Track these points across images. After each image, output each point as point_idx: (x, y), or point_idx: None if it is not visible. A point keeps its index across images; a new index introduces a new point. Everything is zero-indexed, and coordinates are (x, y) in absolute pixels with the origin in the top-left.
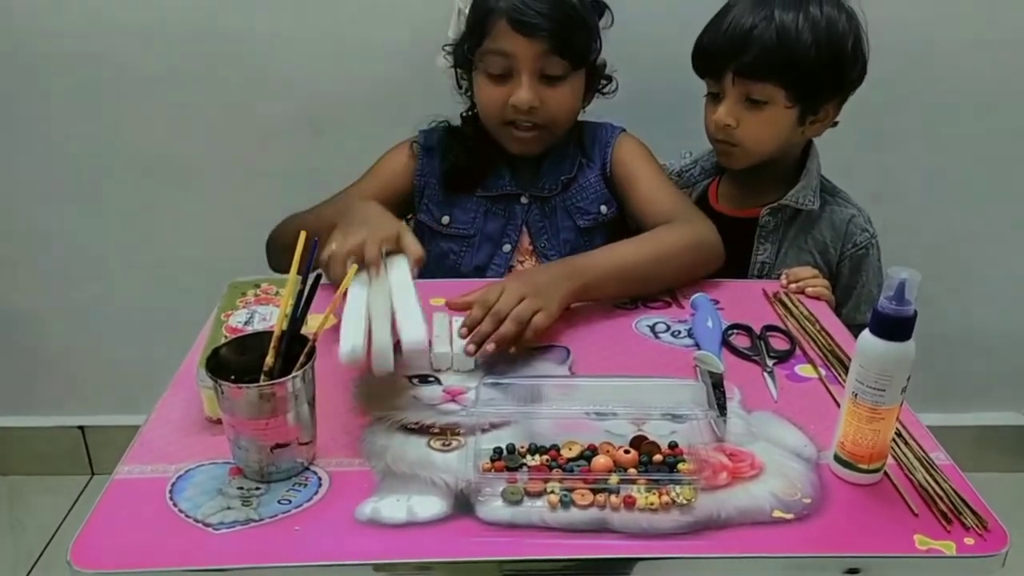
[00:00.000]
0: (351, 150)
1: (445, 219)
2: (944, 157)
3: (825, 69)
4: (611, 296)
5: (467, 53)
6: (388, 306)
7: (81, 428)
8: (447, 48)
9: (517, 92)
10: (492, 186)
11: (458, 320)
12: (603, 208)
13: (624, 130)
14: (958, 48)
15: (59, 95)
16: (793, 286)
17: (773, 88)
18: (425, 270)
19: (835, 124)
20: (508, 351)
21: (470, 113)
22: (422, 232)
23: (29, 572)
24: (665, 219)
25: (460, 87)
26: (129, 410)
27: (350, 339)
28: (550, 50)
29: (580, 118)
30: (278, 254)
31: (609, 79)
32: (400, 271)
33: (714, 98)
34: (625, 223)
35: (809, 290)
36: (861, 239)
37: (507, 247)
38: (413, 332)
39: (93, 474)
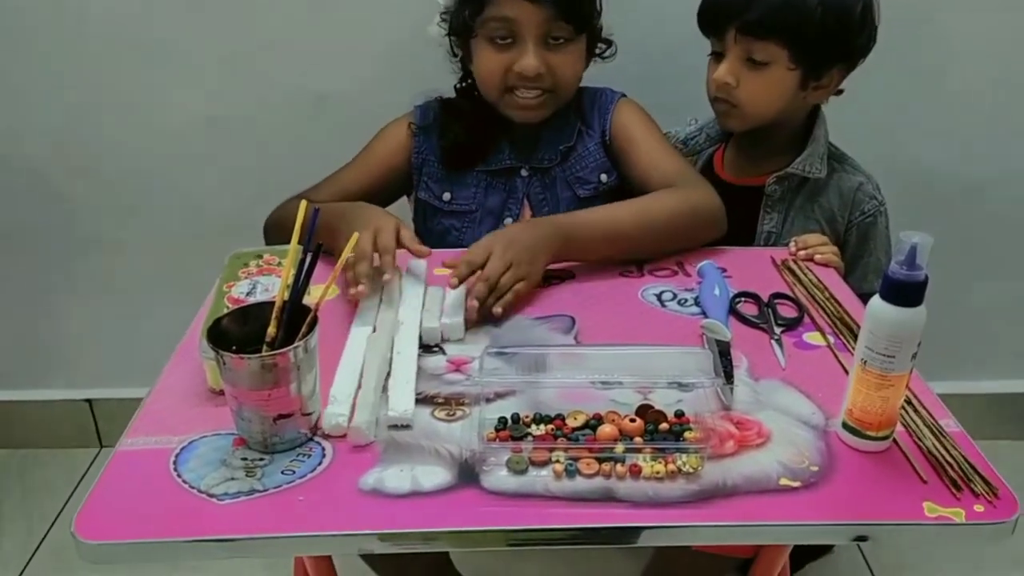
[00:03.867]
0: (355, 118)
1: (446, 196)
2: (954, 119)
3: (830, 32)
4: (597, 257)
5: (467, 20)
6: (384, 367)
7: (89, 401)
8: (442, 15)
9: (523, 59)
10: (492, 160)
11: (452, 293)
12: (603, 177)
13: (624, 95)
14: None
15: (58, 63)
16: (802, 253)
17: (776, 48)
18: (429, 246)
19: (840, 92)
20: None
21: (464, 84)
22: (423, 210)
23: (39, 544)
24: (665, 185)
25: (455, 55)
26: (137, 383)
27: (336, 410)
28: (555, 15)
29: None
30: (278, 239)
31: (609, 43)
32: (410, 330)
33: (717, 58)
34: (626, 192)
35: (818, 257)
36: (869, 207)
37: (508, 220)
38: (400, 404)
39: (102, 447)
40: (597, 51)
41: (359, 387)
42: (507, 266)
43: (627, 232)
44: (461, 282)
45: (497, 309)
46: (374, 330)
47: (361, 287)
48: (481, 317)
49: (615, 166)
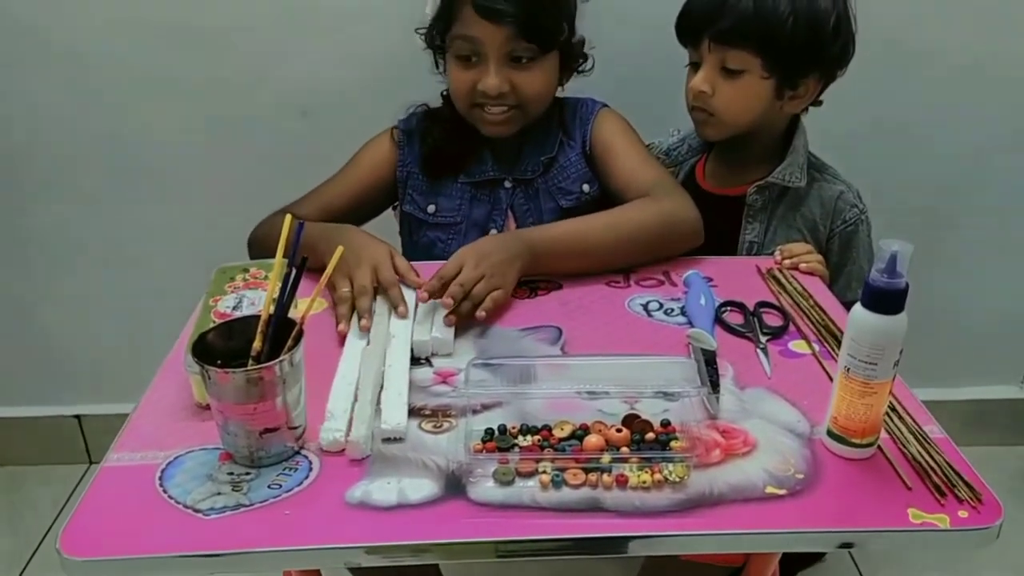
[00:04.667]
0: (338, 134)
1: (431, 208)
2: (937, 126)
3: (802, 42)
4: (569, 269)
5: (437, 37)
6: (378, 381)
7: (78, 417)
8: (418, 30)
9: (484, 78)
10: (475, 172)
11: (439, 309)
12: (585, 187)
13: (605, 105)
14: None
15: (41, 81)
16: (787, 262)
17: (749, 56)
18: (415, 258)
19: (819, 103)
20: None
21: (449, 93)
22: (408, 222)
23: (28, 561)
24: (643, 195)
25: (437, 66)
26: (125, 399)
27: (333, 425)
28: (516, 34)
29: (561, 95)
30: (262, 254)
31: (585, 57)
32: (401, 343)
33: (694, 67)
34: (609, 202)
35: (803, 266)
36: (850, 215)
37: (493, 232)
38: (393, 417)
39: (91, 463)
40: (575, 65)
41: (355, 401)
42: (480, 277)
43: (598, 244)
44: (432, 296)
45: (481, 313)
46: (368, 344)
47: (364, 321)
48: (458, 321)
49: (596, 176)
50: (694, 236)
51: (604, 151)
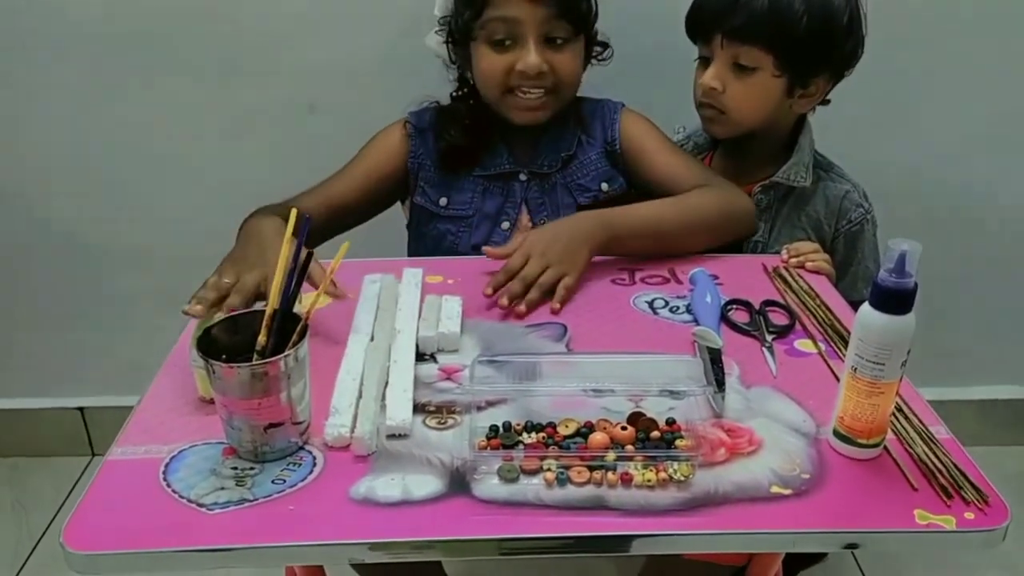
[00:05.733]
0: (345, 129)
1: (442, 201)
2: (942, 127)
3: (815, 41)
4: (636, 252)
5: (467, 23)
6: (383, 376)
7: (81, 409)
8: (441, 20)
9: (525, 58)
10: (490, 165)
11: (449, 302)
12: (604, 185)
13: (624, 105)
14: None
15: (48, 74)
16: (793, 260)
17: (762, 54)
18: (423, 251)
19: (826, 102)
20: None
21: (461, 93)
22: (418, 215)
23: (31, 553)
24: (693, 187)
25: (452, 61)
26: (128, 391)
27: (338, 420)
28: (556, 14)
29: (578, 94)
30: None
31: (605, 46)
32: (407, 339)
33: (704, 63)
34: (626, 200)
35: (809, 264)
36: (855, 215)
37: (505, 224)
38: (399, 413)
39: (94, 455)
40: (594, 55)
41: (360, 397)
42: (545, 268)
43: (670, 230)
44: (496, 290)
45: (555, 305)
46: (371, 339)
47: (200, 307)
48: (528, 312)
49: (626, 174)
50: (751, 224)
51: (638, 150)
